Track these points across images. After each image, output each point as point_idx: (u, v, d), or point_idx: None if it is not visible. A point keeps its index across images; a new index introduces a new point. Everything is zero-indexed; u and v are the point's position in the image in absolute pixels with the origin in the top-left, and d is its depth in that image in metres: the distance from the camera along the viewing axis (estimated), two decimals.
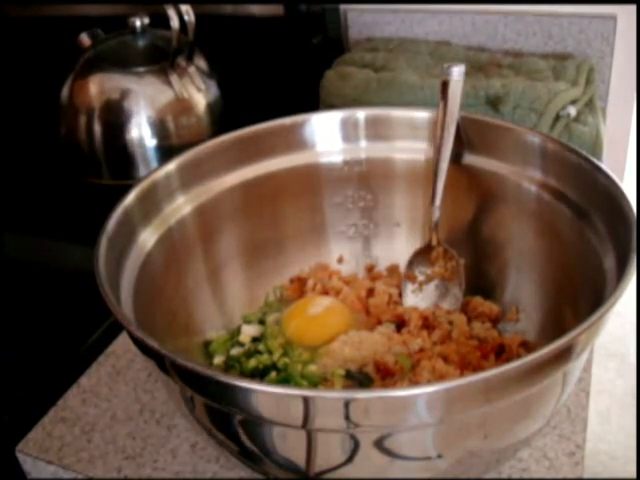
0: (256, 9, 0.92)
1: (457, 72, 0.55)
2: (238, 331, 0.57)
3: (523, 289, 0.57)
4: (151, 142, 0.84)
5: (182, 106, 0.85)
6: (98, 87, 0.84)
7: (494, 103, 0.72)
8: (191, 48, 0.85)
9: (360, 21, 0.94)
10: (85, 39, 0.88)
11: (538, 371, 0.36)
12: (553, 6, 0.82)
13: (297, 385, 0.50)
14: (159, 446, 0.53)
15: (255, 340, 0.56)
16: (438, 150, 0.56)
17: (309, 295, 0.61)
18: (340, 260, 0.65)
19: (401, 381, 0.50)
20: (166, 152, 0.84)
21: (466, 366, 0.52)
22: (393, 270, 0.64)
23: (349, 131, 0.61)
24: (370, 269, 0.65)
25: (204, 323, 0.57)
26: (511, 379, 0.36)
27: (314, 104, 0.85)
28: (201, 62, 0.88)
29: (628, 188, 0.47)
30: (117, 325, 0.40)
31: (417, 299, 0.60)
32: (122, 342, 0.62)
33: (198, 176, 0.57)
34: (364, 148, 0.61)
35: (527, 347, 0.54)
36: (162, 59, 0.84)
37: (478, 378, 0.35)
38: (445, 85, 0.55)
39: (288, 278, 0.63)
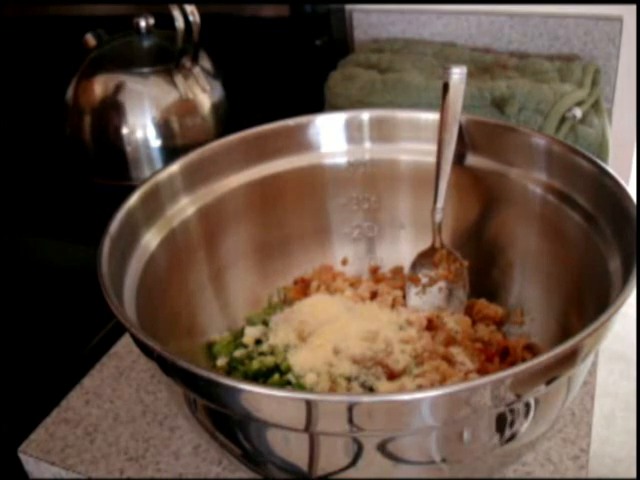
0: (261, 10, 0.92)
1: (459, 73, 0.55)
2: (241, 333, 0.57)
3: (528, 292, 0.57)
4: (156, 142, 0.84)
5: (187, 107, 0.85)
6: (103, 87, 0.84)
7: (499, 105, 0.72)
8: (196, 49, 0.85)
9: (365, 22, 0.94)
10: (90, 39, 0.88)
11: (543, 375, 0.36)
12: (559, 7, 0.82)
13: (299, 387, 0.50)
14: (162, 448, 0.52)
15: (258, 342, 0.56)
16: (440, 151, 0.56)
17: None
18: (344, 262, 0.64)
19: (405, 383, 0.50)
20: (171, 152, 0.84)
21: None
22: (397, 272, 0.64)
23: (353, 132, 0.61)
24: (374, 271, 0.64)
25: (207, 325, 0.57)
26: (516, 383, 0.36)
27: (319, 105, 0.84)
28: (206, 63, 0.88)
29: (634, 190, 0.46)
30: (120, 326, 0.40)
31: (421, 301, 0.60)
32: (125, 343, 0.62)
33: (202, 177, 0.57)
34: (368, 149, 0.61)
35: (532, 350, 0.54)
36: (167, 60, 0.84)
37: (482, 382, 0.34)
38: (447, 86, 0.55)
39: (292, 279, 0.63)
